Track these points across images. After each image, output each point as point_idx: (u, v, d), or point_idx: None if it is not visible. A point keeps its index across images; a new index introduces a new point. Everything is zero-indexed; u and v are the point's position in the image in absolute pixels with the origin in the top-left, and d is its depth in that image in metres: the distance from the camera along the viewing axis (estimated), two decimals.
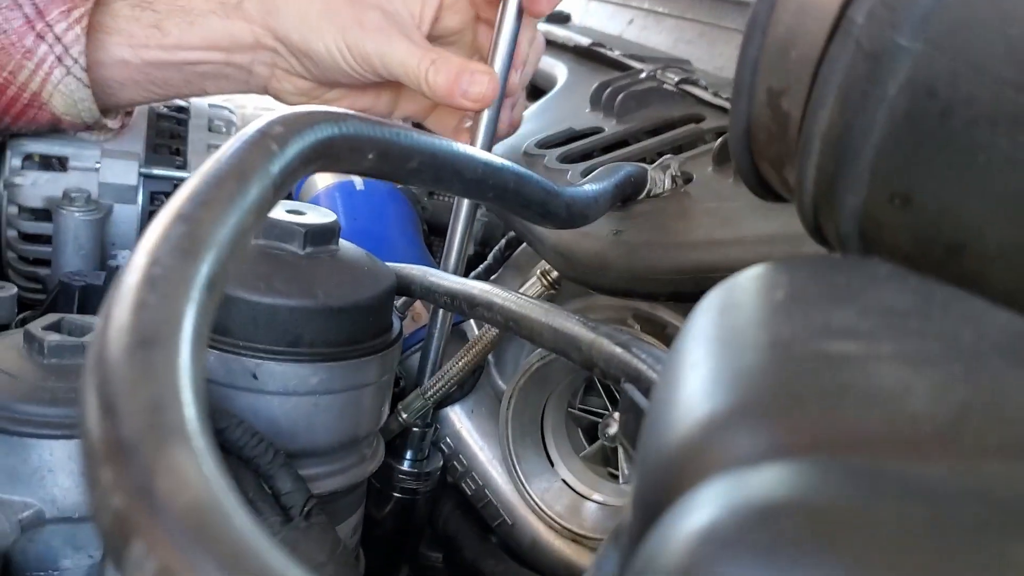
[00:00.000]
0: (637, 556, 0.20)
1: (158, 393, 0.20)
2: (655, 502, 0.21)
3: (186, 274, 0.25)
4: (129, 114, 0.82)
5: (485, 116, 0.69)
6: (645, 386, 0.41)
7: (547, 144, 0.78)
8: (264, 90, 0.77)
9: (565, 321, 0.49)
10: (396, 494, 0.74)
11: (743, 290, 0.27)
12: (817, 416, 0.20)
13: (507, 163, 0.47)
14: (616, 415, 0.69)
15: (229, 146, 0.31)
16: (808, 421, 0.20)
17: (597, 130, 0.78)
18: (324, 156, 0.34)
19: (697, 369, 0.23)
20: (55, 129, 0.76)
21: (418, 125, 0.80)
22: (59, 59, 0.70)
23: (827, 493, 0.18)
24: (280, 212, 0.59)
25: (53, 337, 0.49)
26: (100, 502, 0.19)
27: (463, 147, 0.43)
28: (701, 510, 0.18)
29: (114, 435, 0.19)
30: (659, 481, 0.21)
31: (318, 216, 0.60)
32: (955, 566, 0.16)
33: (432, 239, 0.95)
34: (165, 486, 0.18)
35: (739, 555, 0.17)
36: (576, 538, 0.70)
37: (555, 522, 0.70)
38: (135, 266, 0.25)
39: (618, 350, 0.43)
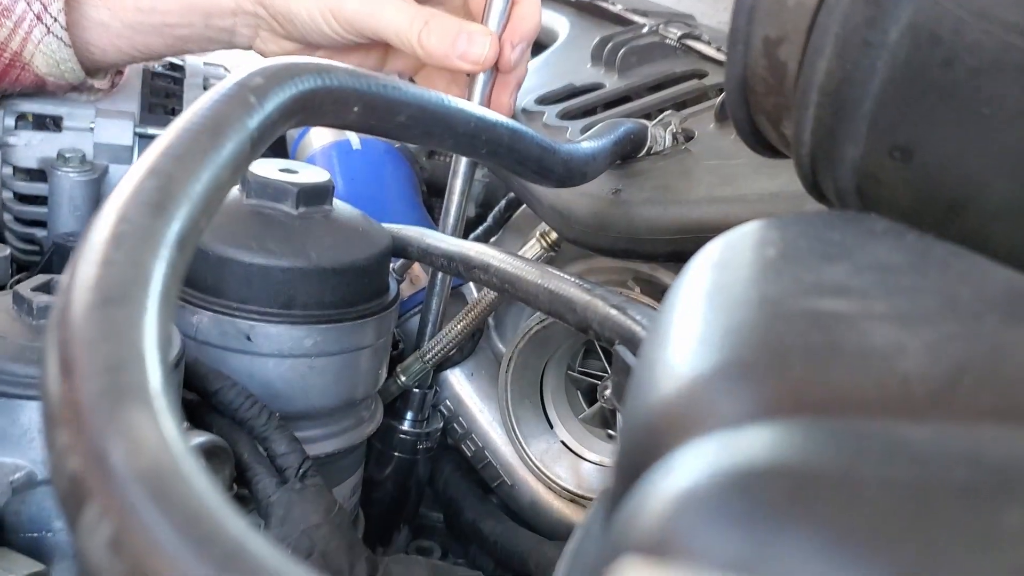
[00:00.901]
0: (616, 520, 0.19)
1: (119, 353, 0.20)
2: (637, 463, 0.20)
3: (155, 231, 0.24)
4: (120, 73, 0.81)
5: (481, 77, 0.68)
6: (638, 347, 0.40)
7: (547, 100, 0.76)
8: (249, 49, 0.76)
9: (560, 283, 0.49)
10: (396, 454, 0.74)
11: (734, 247, 0.26)
12: (804, 376, 0.20)
13: (501, 118, 0.46)
14: None
15: (206, 98, 0.30)
16: (794, 381, 0.19)
17: (598, 86, 0.77)
18: (306, 109, 0.33)
19: (683, 328, 0.22)
20: (41, 90, 0.75)
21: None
22: (38, 17, 0.68)
23: (811, 457, 0.17)
24: (273, 171, 0.59)
25: (42, 298, 0.48)
26: (56, 465, 0.18)
27: (455, 100, 0.42)
28: (680, 473, 0.18)
29: (72, 396, 0.19)
30: (641, 442, 0.21)
31: (312, 175, 0.59)
32: (943, 533, 0.16)
33: (432, 200, 0.94)
34: (121, 449, 0.17)
35: (717, 522, 0.16)
36: (575, 498, 0.69)
37: (554, 483, 0.70)
38: (102, 222, 0.24)
39: (612, 312, 0.43)
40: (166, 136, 0.28)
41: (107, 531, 0.16)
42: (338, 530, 0.52)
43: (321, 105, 0.34)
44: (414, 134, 0.40)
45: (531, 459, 0.70)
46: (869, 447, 0.17)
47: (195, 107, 0.29)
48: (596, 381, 0.72)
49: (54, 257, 0.73)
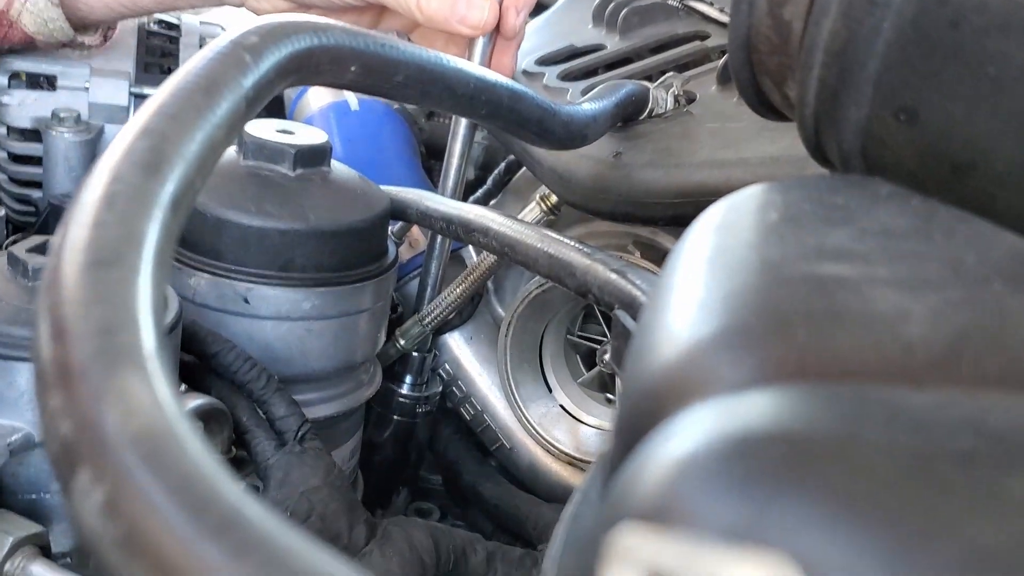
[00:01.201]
0: (615, 485, 0.19)
1: (111, 315, 0.19)
2: (636, 428, 0.20)
3: (148, 191, 0.24)
4: (112, 28, 0.80)
5: (480, 39, 0.67)
6: (638, 312, 0.40)
7: (547, 61, 0.75)
8: (241, 6, 0.75)
9: (560, 247, 0.48)
10: (395, 417, 0.74)
11: (736, 211, 0.26)
12: (806, 341, 0.19)
13: (501, 78, 0.46)
14: None
15: (200, 57, 0.29)
16: (796, 347, 0.19)
17: (599, 47, 0.76)
18: (302, 68, 0.32)
19: (684, 292, 0.22)
20: (31, 48, 0.75)
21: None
22: None
23: (811, 423, 0.17)
24: (270, 132, 0.58)
25: (37, 259, 0.48)
26: (49, 429, 0.18)
27: (454, 60, 0.41)
28: (679, 439, 0.17)
29: (64, 359, 0.18)
30: (640, 407, 0.21)
31: (309, 136, 0.59)
32: (945, 500, 0.15)
33: (431, 162, 0.93)
34: (114, 412, 0.17)
35: (716, 487, 0.16)
36: (573, 461, 0.70)
37: (552, 446, 0.70)
38: (95, 182, 0.24)
39: (612, 276, 0.42)
40: (160, 95, 0.27)
41: (100, 495, 0.16)
42: (337, 492, 0.52)
43: (318, 64, 0.33)
44: (412, 94, 0.39)
45: (530, 423, 0.71)
46: (871, 413, 0.17)
47: (189, 65, 0.29)
48: (595, 345, 0.71)
49: (50, 218, 0.72)
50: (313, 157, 0.57)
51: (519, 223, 0.53)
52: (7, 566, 0.43)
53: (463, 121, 0.68)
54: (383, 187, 0.62)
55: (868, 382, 0.19)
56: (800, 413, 0.17)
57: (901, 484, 0.16)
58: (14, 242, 0.63)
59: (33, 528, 0.44)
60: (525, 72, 0.75)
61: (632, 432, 0.20)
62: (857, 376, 0.19)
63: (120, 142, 0.25)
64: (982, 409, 0.17)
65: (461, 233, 0.56)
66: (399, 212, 0.61)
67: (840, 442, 0.17)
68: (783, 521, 0.15)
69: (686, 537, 0.15)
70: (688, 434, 0.17)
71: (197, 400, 0.49)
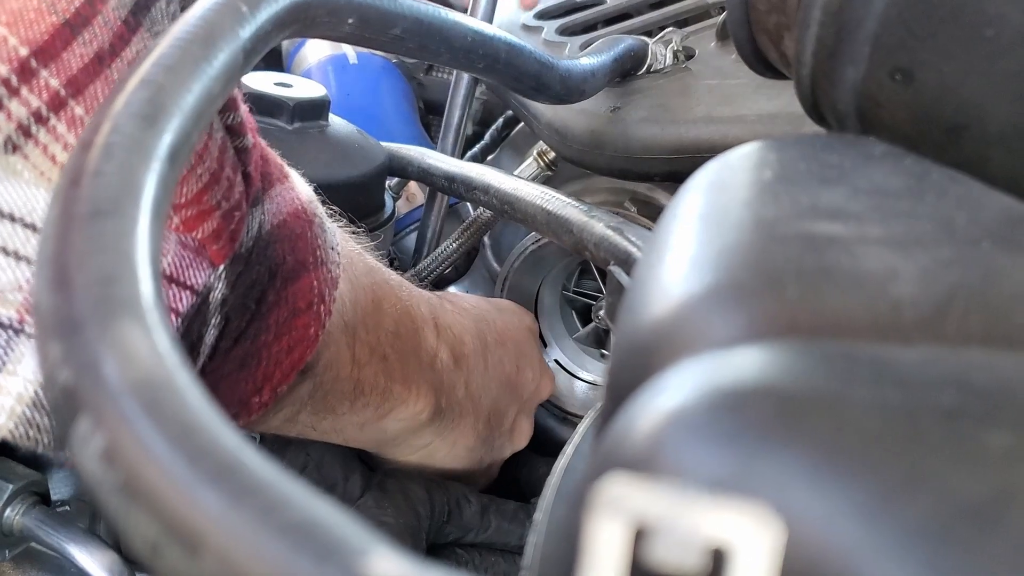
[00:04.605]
0: (605, 438, 0.19)
1: (110, 266, 0.20)
2: (626, 383, 0.21)
3: (146, 142, 0.24)
4: None
5: None
6: (632, 269, 0.40)
7: (546, 15, 0.75)
8: None
9: (558, 204, 0.49)
10: None
11: (731, 168, 0.26)
12: (796, 299, 0.20)
13: (499, 32, 0.45)
14: None
15: (198, 7, 0.29)
16: (786, 304, 0.19)
17: (599, 1, 0.75)
18: (300, 20, 0.32)
19: (676, 248, 0.22)
20: None
21: None
22: None
23: (800, 378, 0.17)
24: (268, 85, 0.58)
25: None
26: (48, 378, 0.18)
27: (451, 13, 0.41)
28: (669, 393, 0.18)
29: (63, 308, 0.19)
30: (631, 362, 0.21)
31: (307, 89, 0.59)
32: (928, 454, 0.16)
33: (429, 117, 0.93)
34: (113, 361, 0.17)
35: (704, 440, 0.16)
36: (567, 417, 0.70)
37: (547, 401, 0.70)
38: (92, 132, 0.24)
39: (608, 232, 0.43)
40: (159, 45, 0.27)
41: (100, 443, 0.17)
42: (333, 444, 0.53)
43: (315, 16, 0.33)
44: (410, 47, 0.39)
45: None
46: (858, 370, 0.18)
47: (187, 16, 0.29)
48: (591, 301, 0.72)
49: None
50: (311, 111, 0.57)
51: (520, 182, 0.53)
52: (6, 513, 0.44)
53: (465, 77, 0.68)
54: (385, 144, 0.62)
55: (856, 339, 0.19)
56: (789, 369, 0.18)
57: (885, 439, 0.16)
58: None
59: (33, 476, 0.45)
60: (524, 26, 0.74)
61: (623, 386, 0.21)
62: (846, 333, 0.19)
63: (117, 92, 0.25)
64: (966, 366, 0.18)
65: (463, 191, 0.57)
66: (400, 169, 0.61)
67: (827, 398, 0.17)
68: (768, 474, 0.16)
69: (672, 488, 0.15)
70: (678, 388, 0.18)
71: None
